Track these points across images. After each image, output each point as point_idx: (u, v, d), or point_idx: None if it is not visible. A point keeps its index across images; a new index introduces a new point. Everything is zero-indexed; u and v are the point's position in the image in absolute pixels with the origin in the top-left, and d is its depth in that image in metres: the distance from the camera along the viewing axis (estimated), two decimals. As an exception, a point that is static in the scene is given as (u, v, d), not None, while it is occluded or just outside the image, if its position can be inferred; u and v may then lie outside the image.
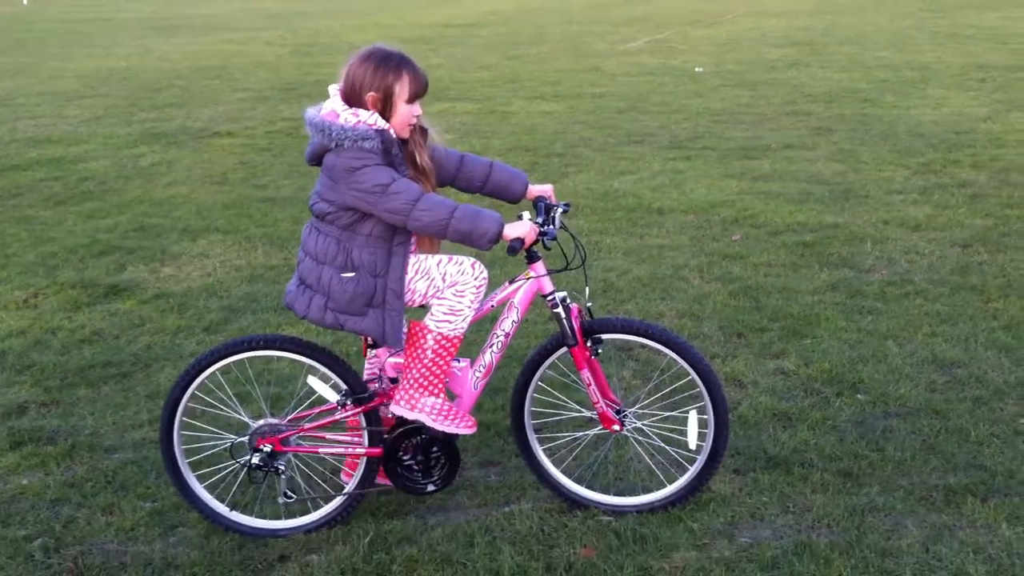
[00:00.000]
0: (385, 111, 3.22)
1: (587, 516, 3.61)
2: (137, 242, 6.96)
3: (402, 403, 3.42)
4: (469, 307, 3.36)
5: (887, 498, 3.65)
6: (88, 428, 4.32)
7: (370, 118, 3.17)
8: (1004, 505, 3.57)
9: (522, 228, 3.25)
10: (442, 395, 3.44)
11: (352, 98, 3.22)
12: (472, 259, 3.37)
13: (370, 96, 3.19)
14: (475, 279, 3.35)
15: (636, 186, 8.16)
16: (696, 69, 15.01)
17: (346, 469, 3.72)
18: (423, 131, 3.38)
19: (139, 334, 5.35)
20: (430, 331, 3.35)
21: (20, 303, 5.85)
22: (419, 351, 3.38)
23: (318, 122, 3.18)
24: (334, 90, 3.27)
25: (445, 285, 3.34)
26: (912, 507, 3.60)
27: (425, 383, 3.40)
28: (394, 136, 3.24)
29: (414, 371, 3.40)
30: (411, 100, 3.25)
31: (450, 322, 3.35)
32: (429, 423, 3.41)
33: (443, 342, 3.36)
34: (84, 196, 8.30)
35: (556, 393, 3.90)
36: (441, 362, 3.39)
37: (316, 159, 3.31)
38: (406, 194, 3.14)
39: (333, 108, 3.21)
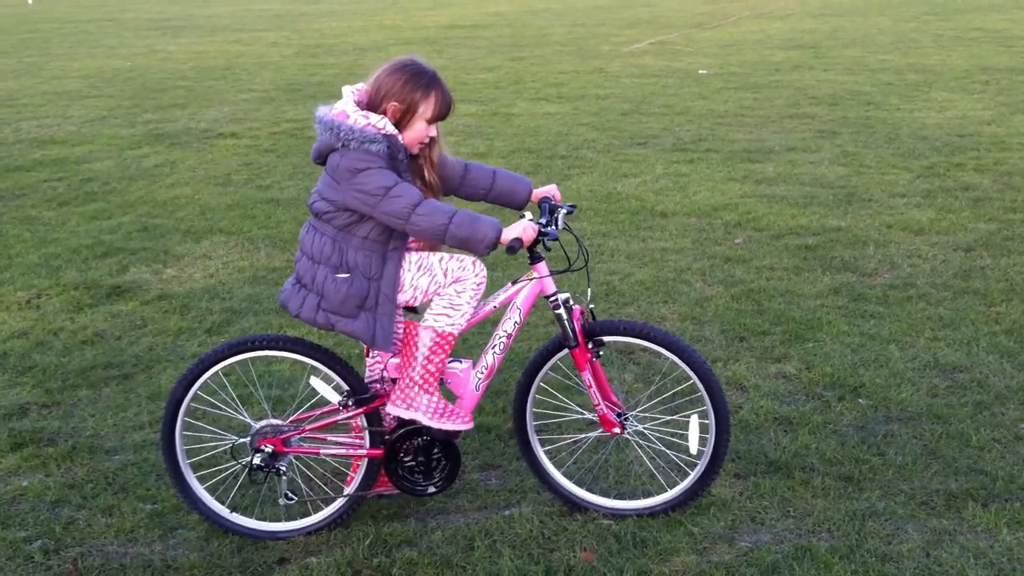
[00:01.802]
0: (401, 123, 3.26)
1: (587, 520, 3.60)
2: (140, 243, 6.97)
3: (398, 402, 3.43)
4: (468, 303, 3.36)
5: (888, 503, 3.65)
6: (89, 430, 4.32)
7: (380, 122, 3.19)
8: (1005, 510, 3.57)
9: (520, 228, 3.26)
10: (437, 393, 3.44)
11: (373, 103, 3.25)
12: (473, 257, 3.38)
13: (391, 106, 3.23)
14: (476, 276, 3.36)
15: (639, 189, 8.15)
16: (700, 71, 15.00)
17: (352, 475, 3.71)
18: (433, 144, 3.40)
19: (141, 335, 5.36)
20: (426, 327, 3.36)
21: (23, 304, 5.86)
22: (414, 349, 3.38)
23: (327, 120, 3.21)
24: (348, 91, 3.29)
25: (447, 280, 3.35)
26: (913, 512, 3.59)
27: (420, 381, 3.40)
28: (402, 142, 3.26)
29: (409, 370, 3.41)
30: (431, 121, 3.28)
31: (448, 316, 3.35)
32: (425, 421, 3.41)
33: (438, 339, 3.36)
34: (87, 197, 8.32)
35: (558, 395, 3.90)
36: (436, 359, 3.39)
37: (321, 158, 3.32)
38: (406, 198, 3.15)
39: (344, 109, 3.22)
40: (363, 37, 21.55)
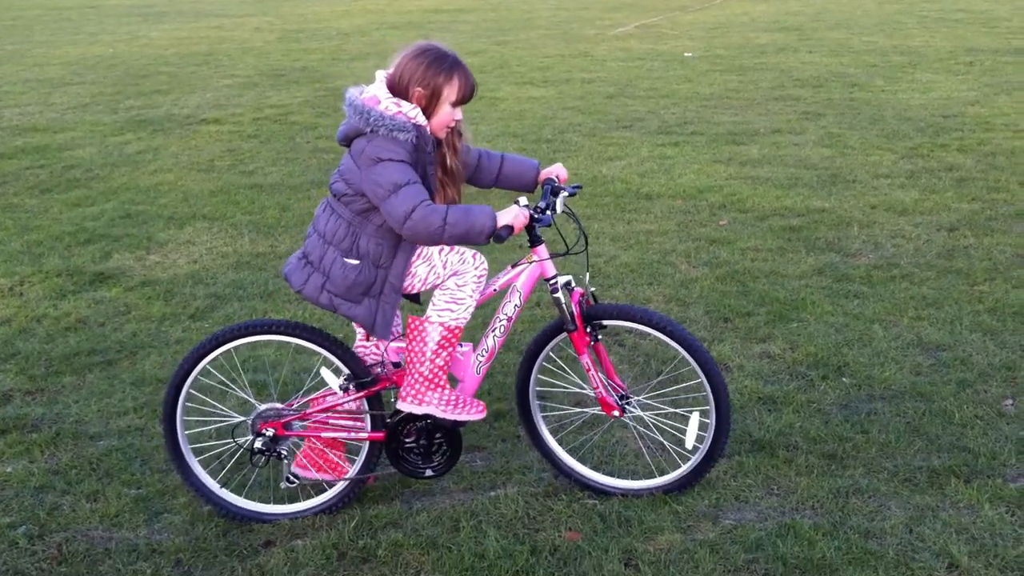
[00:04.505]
0: (428, 109, 3.23)
1: (572, 499, 3.62)
2: (123, 230, 6.93)
3: (408, 399, 3.42)
4: (471, 296, 3.36)
5: (871, 480, 3.67)
6: (73, 416, 4.31)
7: (411, 111, 3.18)
8: (987, 486, 3.60)
9: (512, 215, 3.24)
10: (447, 385, 3.44)
11: (397, 90, 3.22)
12: (473, 250, 3.38)
13: (416, 91, 3.20)
14: (476, 268, 3.36)
15: (624, 172, 8.15)
16: (685, 54, 14.98)
17: (300, 459, 3.67)
18: (458, 134, 3.39)
19: (124, 322, 5.33)
20: (431, 322, 3.35)
21: (5, 291, 5.83)
22: (421, 345, 3.37)
23: (358, 104, 3.17)
24: (380, 75, 3.27)
25: (446, 273, 3.35)
26: (896, 489, 3.62)
27: (430, 376, 3.40)
28: (430, 134, 3.24)
29: (418, 365, 3.39)
30: (456, 104, 3.26)
31: (452, 311, 3.35)
32: (439, 415, 3.41)
33: (444, 332, 3.36)
34: (70, 184, 8.26)
35: (562, 373, 3.88)
36: (444, 353, 3.39)
37: (347, 140, 3.29)
38: (408, 201, 3.10)
39: (376, 94, 3.20)
40: (346, 22, 21.44)
